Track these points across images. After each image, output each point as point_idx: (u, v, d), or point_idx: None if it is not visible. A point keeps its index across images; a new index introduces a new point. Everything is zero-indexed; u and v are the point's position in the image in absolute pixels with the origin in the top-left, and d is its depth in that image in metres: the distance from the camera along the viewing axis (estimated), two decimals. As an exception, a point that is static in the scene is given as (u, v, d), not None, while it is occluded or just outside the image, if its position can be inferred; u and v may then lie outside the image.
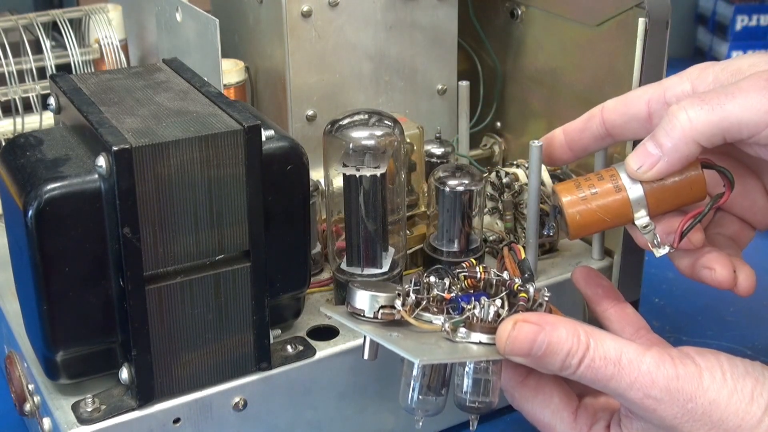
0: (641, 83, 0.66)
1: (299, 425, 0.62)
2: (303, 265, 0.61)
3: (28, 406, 0.61)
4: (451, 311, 0.54)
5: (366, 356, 0.55)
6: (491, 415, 0.68)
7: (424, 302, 0.55)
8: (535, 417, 0.56)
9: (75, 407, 0.56)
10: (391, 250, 0.65)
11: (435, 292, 0.55)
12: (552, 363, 0.51)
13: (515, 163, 0.73)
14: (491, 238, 0.72)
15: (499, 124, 0.83)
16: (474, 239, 0.68)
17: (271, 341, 0.59)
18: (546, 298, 0.55)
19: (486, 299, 0.54)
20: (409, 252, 0.69)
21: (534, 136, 0.63)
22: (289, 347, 0.61)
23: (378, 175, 0.61)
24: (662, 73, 0.67)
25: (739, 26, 1.37)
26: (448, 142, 0.75)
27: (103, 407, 0.56)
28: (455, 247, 0.67)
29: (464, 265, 0.57)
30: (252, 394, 0.59)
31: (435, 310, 0.55)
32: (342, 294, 0.63)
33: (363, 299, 0.55)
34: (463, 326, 0.53)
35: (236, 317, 0.57)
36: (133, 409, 0.56)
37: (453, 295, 0.55)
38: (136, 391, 0.56)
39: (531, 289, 0.55)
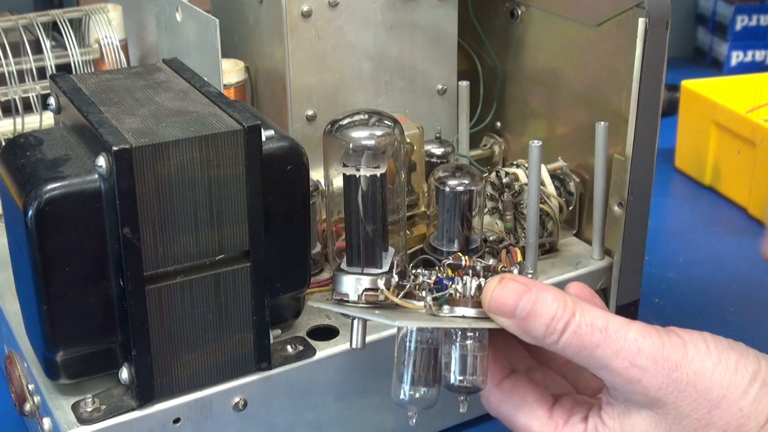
0: (641, 83, 0.66)
1: (299, 425, 0.62)
2: (303, 265, 0.61)
3: (28, 406, 0.61)
4: (435, 292, 0.54)
5: (353, 344, 0.55)
6: (491, 415, 0.68)
7: (408, 285, 0.55)
8: (510, 420, 0.55)
9: (75, 407, 0.56)
10: (391, 250, 0.65)
11: (421, 279, 0.55)
12: (536, 327, 0.50)
13: (515, 163, 0.73)
14: (491, 238, 0.72)
15: (499, 124, 0.83)
16: (474, 239, 0.68)
17: (271, 341, 0.59)
18: (530, 275, 0.55)
19: (469, 278, 0.54)
20: (409, 252, 0.69)
21: (534, 136, 0.63)
22: (289, 347, 0.61)
23: (378, 175, 0.61)
24: (662, 73, 0.67)
25: (739, 26, 1.37)
26: (448, 142, 0.75)
27: (103, 407, 0.56)
28: (455, 247, 0.67)
29: (450, 258, 0.57)
30: (252, 394, 0.59)
31: (421, 295, 0.55)
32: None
33: (347, 283, 0.56)
34: (447, 305, 0.53)
35: (236, 317, 0.57)
36: (133, 409, 0.56)
37: (436, 278, 0.55)
38: (136, 391, 0.56)
39: (515, 271, 0.55)
